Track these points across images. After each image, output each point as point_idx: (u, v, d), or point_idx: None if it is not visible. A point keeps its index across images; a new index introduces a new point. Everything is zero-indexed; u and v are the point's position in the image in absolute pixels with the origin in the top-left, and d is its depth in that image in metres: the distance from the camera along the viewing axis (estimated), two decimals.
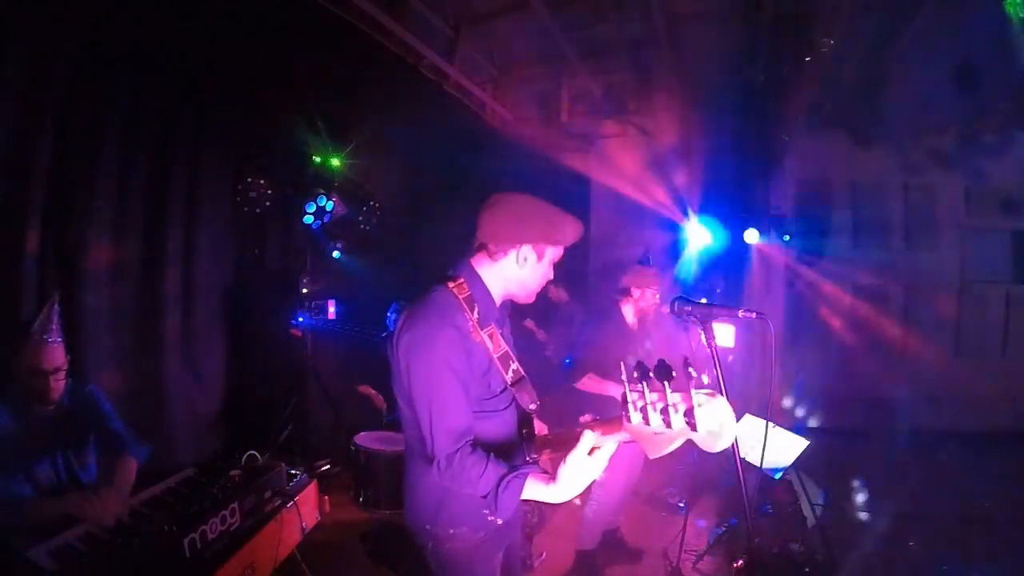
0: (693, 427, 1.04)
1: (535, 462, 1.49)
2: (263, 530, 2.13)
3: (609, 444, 1.24)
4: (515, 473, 1.33)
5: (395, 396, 1.54)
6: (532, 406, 1.57)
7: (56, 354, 2.08)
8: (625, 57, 5.38)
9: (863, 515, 3.96)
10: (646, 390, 1.08)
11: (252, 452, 2.33)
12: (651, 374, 1.06)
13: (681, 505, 4.01)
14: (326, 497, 2.60)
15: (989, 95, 4.30)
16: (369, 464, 3.65)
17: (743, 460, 1.65)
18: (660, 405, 1.07)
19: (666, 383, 1.05)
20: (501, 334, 1.56)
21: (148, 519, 1.90)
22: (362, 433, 3.86)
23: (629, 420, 1.12)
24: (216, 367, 4.09)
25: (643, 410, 1.09)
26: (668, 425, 1.07)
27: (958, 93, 4.21)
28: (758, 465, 2.28)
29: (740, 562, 3.07)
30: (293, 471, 2.48)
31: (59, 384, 2.10)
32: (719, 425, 1.03)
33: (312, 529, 2.43)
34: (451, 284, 1.49)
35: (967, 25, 3.89)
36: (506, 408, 1.54)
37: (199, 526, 1.84)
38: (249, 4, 3.33)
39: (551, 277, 1.60)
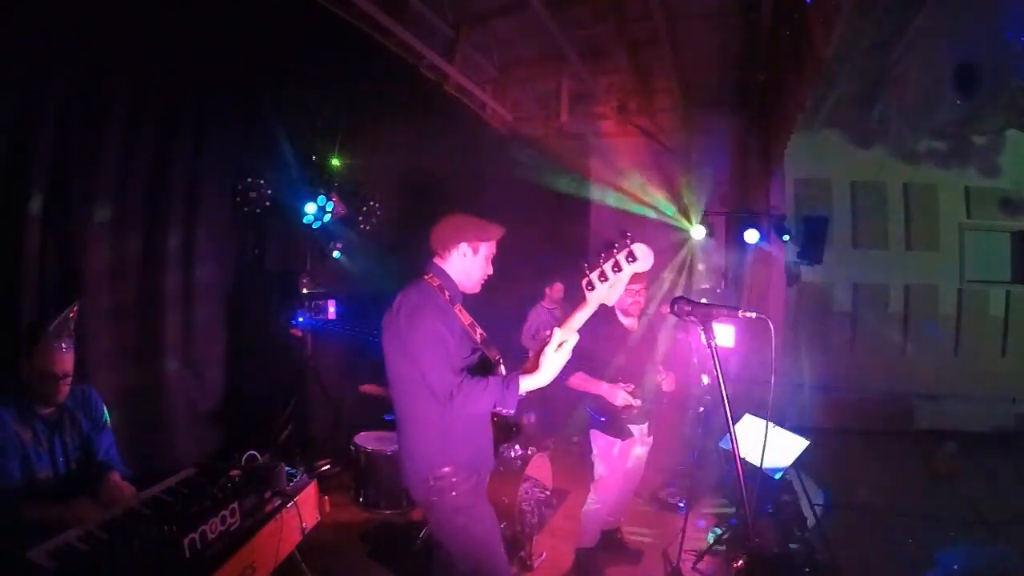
0: (633, 259, 1.56)
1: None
2: (263, 530, 2.13)
3: (572, 336, 1.73)
4: (511, 375, 1.83)
5: (390, 368, 1.95)
6: (497, 356, 2.06)
7: (68, 360, 2.12)
8: (625, 57, 5.37)
9: (863, 515, 3.95)
10: (602, 262, 1.59)
11: (252, 452, 2.33)
12: (602, 252, 1.60)
13: (681, 505, 4.01)
14: (326, 497, 2.60)
15: (988, 95, 4.29)
16: (369, 464, 3.66)
17: (743, 460, 1.65)
18: (610, 263, 1.58)
19: (612, 250, 1.57)
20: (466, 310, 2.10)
21: (148, 519, 1.89)
22: (362, 433, 3.86)
23: (592, 289, 1.64)
24: (216, 367, 4.07)
25: (600, 275, 1.60)
26: (619, 270, 1.60)
27: (957, 93, 4.20)
28: (758, 465, 2.27)
29: (740, 562, 3.07)
30: (293, 471, 2.48)
31: (66, 388, 2.15)
32: (643, 253, 1.57)
33: (312, 529, 2.43)
34: (426, 277, 2.02)
35: (967, 25, 3.89)
36: (479, 362, 2.02)
37: (199, 526, 1.84)
38: (249, 4, 3.33)
39: (490, 272, 2.09)
